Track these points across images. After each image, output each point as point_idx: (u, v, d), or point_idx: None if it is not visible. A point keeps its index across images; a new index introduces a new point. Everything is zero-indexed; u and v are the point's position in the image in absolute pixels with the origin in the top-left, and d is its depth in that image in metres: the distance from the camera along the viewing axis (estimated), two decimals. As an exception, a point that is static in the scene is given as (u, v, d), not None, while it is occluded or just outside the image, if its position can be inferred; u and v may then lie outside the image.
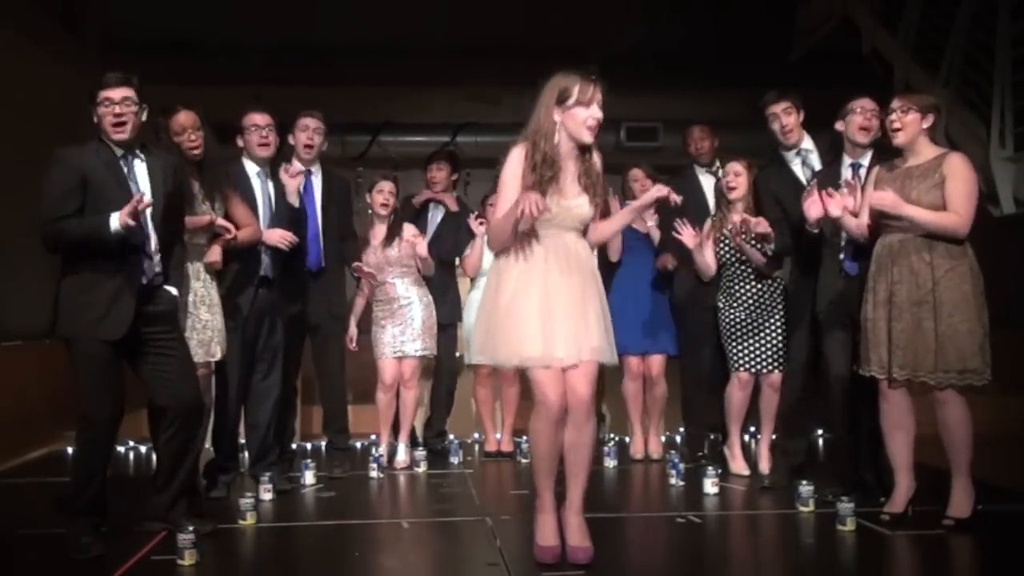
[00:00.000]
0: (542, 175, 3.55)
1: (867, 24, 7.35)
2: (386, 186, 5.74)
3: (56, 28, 7.33)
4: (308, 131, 5.41)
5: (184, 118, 4.46)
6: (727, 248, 5.28)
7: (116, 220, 3.69)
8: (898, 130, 4.12)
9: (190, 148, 4.44)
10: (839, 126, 4.63)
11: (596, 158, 3.68)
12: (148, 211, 3.85)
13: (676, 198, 3.77)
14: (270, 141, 4.91)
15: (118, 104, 3.80)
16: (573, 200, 3.61)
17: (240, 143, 4.94)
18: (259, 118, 4.91)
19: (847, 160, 4.62)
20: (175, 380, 3.97)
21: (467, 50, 7.95)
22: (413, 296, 5.71)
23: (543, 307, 3.53)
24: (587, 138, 3.59)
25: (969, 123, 6.20)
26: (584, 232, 3.71)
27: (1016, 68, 5.93)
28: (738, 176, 5.24)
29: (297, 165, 4.92)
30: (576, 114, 3.56)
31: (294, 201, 4.99)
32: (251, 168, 4.92)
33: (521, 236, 3.62)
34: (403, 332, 5.67)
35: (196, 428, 4.13)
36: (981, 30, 6.24)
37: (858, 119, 4.53)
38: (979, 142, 6.04)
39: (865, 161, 4.55)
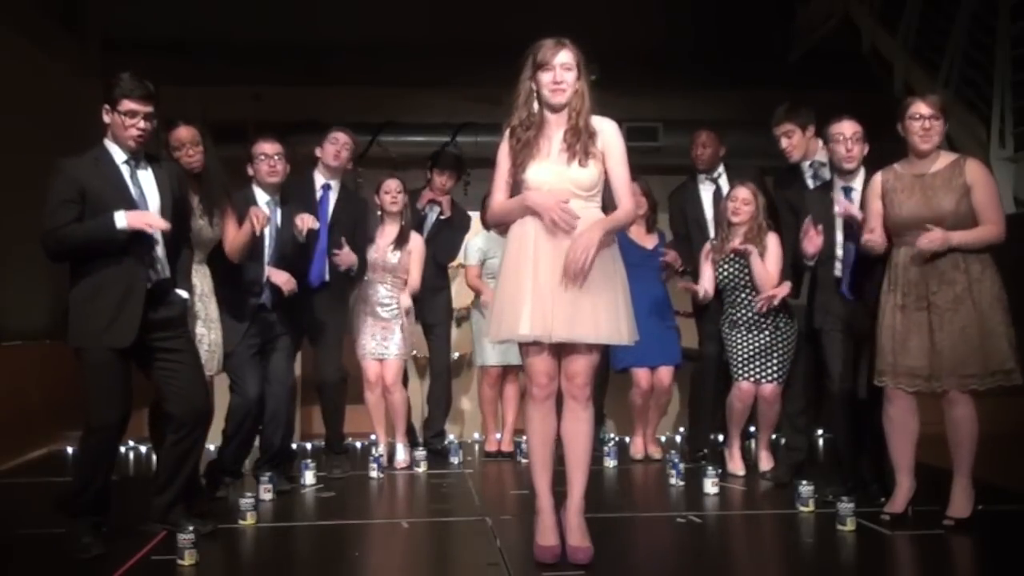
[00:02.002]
0: (519, 137, 3.58)
1: (867, 24, 7.35)
2: (392, 185, 5.74)
3: (56, 28, 7.32)
4: (338, 144, 5.45)
5: (184, 133, 4.48)
6: (727, 272, 5.28)
7: (123, 218, 3.70)
8: (933, 137, 4.09)
9: (188, 162, 4.45)
10: (825, 152, 4.66)
11: (598, 121, 3.62)
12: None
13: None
14: (279, 169, 4.90)
15: (144, 119, 3.81)
16: (563, 165, 3.57)
17: (250, 171, 4.92)
18: (268, 147, 4.90)
19: (839, 183, 4.61)
20: (186, 387, 3.97)
21: (467, 50, 7.93)
22: (397, 304, 5.71)
23: (534, 285, 3.51)
24: (552, 100, 3.57)
25: (969, 123, 6.19)
26: (592, 199, 3.62)
27: (1016, 68, 5.92)
28: (747, 205, 5.22)
29: (308, 220, 4.90)
30: (541, 79, 3.58)
31: (301, 235, 4.92)
32: (261, 197, 4.90)
33: (523, 210, 3.61)
34: (384, 337, 5.68)
35: (203, 434, 4.13)
36: (981, 30, 6.23)
37: (840, 149, 4.51)
38: (979, 142, 6.04)
39: (856, 183, 4.53)
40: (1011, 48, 5.94)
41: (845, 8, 7.57)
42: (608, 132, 3.64)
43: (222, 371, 4.66)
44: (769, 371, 5.21)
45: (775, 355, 5.20)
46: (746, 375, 5.24)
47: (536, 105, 3.61)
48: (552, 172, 3.57)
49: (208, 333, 4.49)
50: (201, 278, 4.50)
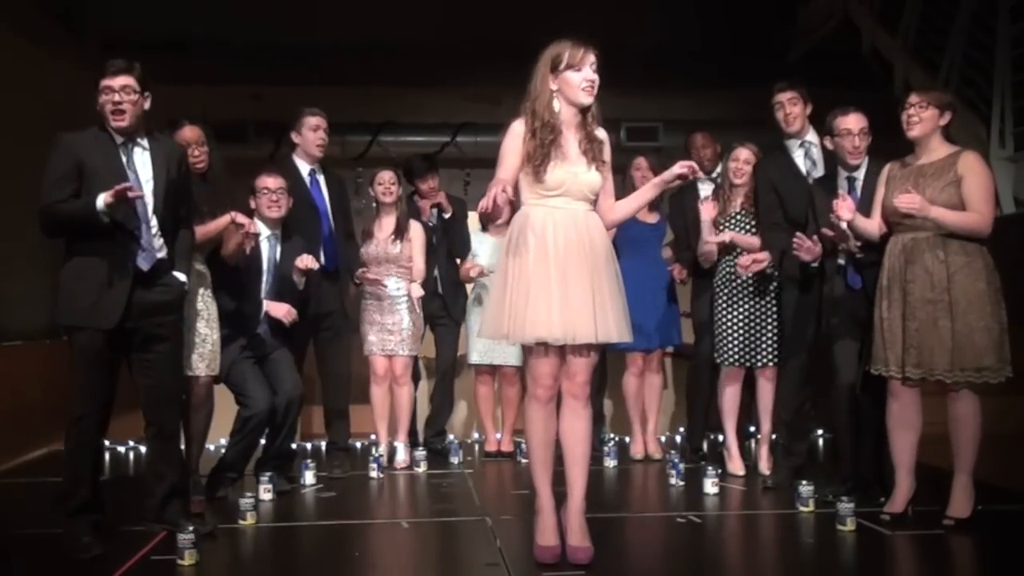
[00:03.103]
0: (543, 139, 3.57)
1: (867, 24, 7.35)
2: (385, 176, 5.74)
3: (56, 28, 7.32)
4: (320, 131, 5.44)
5: (189, 133, 4.48)
6: (728, 231, 5.27)
7: (101, 200, 3.68)
8: (915, 124, 4.10)
9: (194, 163, 4.44)
10: (828, 144, 4.65)
11: (600, 130, 3.67)
12: (150, 197, 3.86)
13: (698, 172, 3.68)
14: (282, 204, 4.91)
15: (117, 92, 3.81)
16: (579, 167, 3.60)
17: (252, 204, 4.92)
18: (271, 181, 4.91)
19: (843, 173, 4.60)
20: (155, 383, 3.96)
21: (467, 50, 7.93)
22: (404, 294, 5.71)
23: (547, 285, 3.51)
24: (584, 99, 3.59)
25: (969, 123, 6.19)
26: (594, 203, 3.67)
27: (1016, 68, 5.93)
28: (748, 164, 5.24)
29: (307, 260, 4.92)
30: (570, 78, 3.58)
31: (301, 282, 4.96)
32: (263, 230, 4.89)
33: (531, 207, 3.62)
34: (392, 332, 5.67)
35: (173, 426, 4.11)
36: (981, 30, 6.23)
37: (846, 144, 4.50)
38: (979, 142, 6.04)
39: (860, 174, 4.54)
40: (1011, 48, 5.94)
41: (845, 8, 7.58)
42: (607, 142, 3.71)
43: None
44: (761, 353, 5.21)
45: (764, 335, 5.20)
46: (732, 359, 5.24)
47: (557, 105, 3.61)
48: (570, 174, 3.59)
49: (211, 333, 4.49)
50: (202, 276, 4.50)
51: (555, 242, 3.55)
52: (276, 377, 4.83)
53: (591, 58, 3.59)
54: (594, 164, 3.62)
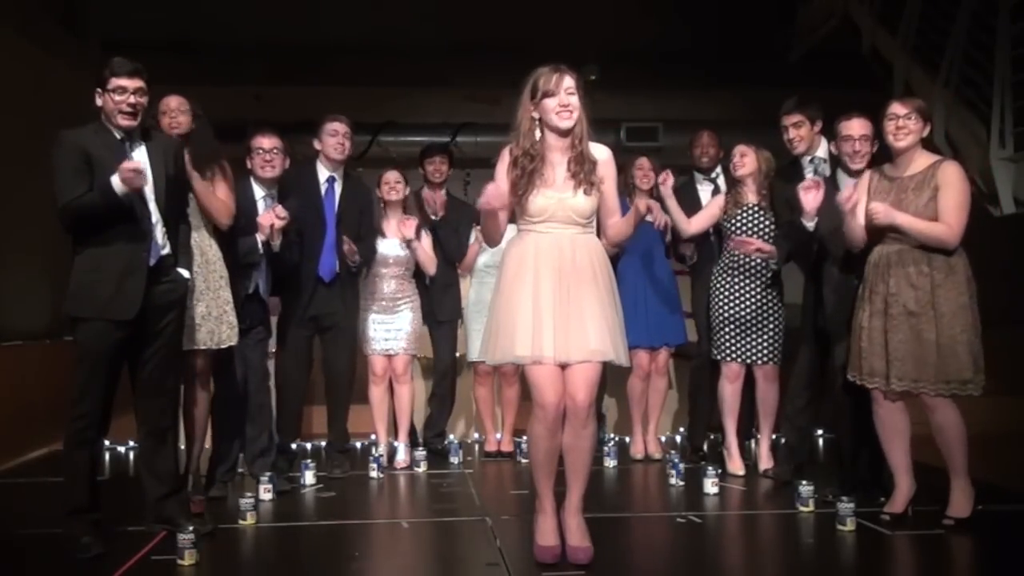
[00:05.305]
0: (523, 167, 3.61)
1: (867, 24, 7.35)
2: (391, 176, 5.75)
3: (56, 28, 7.33)
4: (339, 136, 5.42)
5: (172, 101, 4.48)
6: (738, 222, 5.29)
7: (117, 180, 3.69)
8: (905, 135, 4.10)
9: (170, 125, 4.43)
10: (833, 149, 4.67)
11: (598, 149, 3.68)
12: (151, 192, 3.86)
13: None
14: (276, 164, 4.90)
15: (132, 94, 3.83)
16: (564, 193, 3.61)
17: (248, 165, 4.92)
18: (265, 141, 4.90)
19: (847, 181, 4.61)
20: (150, 375, 3.96)
21: (467, 50, 7.94)
22: (405, 295, 5.72)
23: (534, 306, 3.54)
24: (561, 124, 3.60)
25: (969, 123, 6.19)
26: (588, 226, 3.68)
27: (1016, 68, 5.92)
28: (744, 156, 5.29)
29: (277, 211, 4.80)
30: (546, 105, 3.60)
31: (275, 244, 4.84)
32: (258, 191, 4.90)
33: (520, 234, 3.67)
34: (391, 331, 5.68)
35: (167, 423, 4.11)
36: (981, 30, 6.23)
37: (846, 148, 4.53)
38: (979, 142, 6.03)
39: (864, 178, 4.55)
40: (1011, 48, 5.94)
41: (845, 8, 7.57)
42: (606, 161, 3.70)
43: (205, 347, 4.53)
44: (761, 351, 5.21)
45: (764, 333, 5.21)
46: (733, 354, 5.24)
47: (539, 134, 3.63)
48: (554, 199, 3.60)
49: (198, 304, 4.40)
50: (197, 247, 4.37)
51: (536, 266, 3.58)
52: (248, 362, 4.83)
53: (566, 83, 3.59)
54: (582, 188, 3.61)
